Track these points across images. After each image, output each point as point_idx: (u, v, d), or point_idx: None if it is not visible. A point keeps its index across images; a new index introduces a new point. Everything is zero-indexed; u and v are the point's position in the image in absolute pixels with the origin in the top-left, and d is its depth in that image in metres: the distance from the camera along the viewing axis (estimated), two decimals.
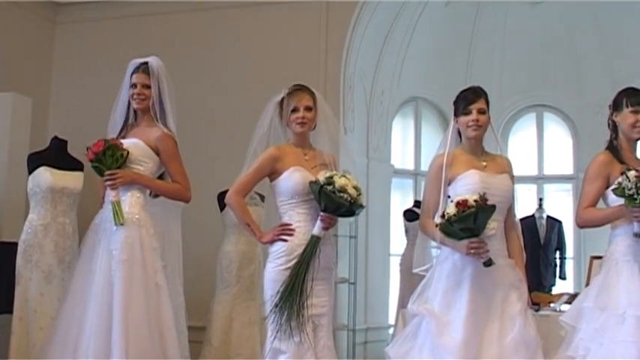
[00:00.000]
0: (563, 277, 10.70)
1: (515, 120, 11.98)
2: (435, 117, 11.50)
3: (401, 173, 11.39)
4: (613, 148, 4.85)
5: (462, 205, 4.35)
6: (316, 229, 4.76)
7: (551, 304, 7.75)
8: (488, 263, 4.47)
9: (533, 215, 10.60)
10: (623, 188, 4.48)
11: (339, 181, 4.70)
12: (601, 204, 4.85)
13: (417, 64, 11.17)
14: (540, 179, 11.82)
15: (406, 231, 10.19)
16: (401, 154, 11.59)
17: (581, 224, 4.91)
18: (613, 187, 4.57)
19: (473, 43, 11.45)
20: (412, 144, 11.71)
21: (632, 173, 4.49)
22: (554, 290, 10.23)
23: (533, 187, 11.73)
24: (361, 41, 10.10)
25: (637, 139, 4.81)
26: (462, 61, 11.43)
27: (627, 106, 4.77)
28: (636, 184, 4.43)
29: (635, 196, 4.45)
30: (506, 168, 4.77)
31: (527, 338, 4.52)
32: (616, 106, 4.85)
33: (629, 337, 4.40)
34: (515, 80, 11.60)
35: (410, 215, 9.97)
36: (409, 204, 10.39)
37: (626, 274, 4.56)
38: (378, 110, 10.91)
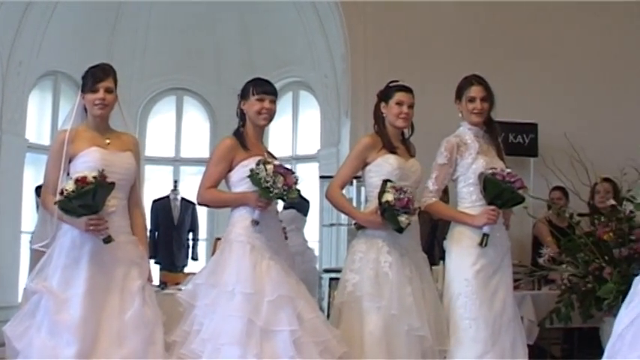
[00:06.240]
0: (195, 258, 10.95)
1: (155, 102, 12.14)
2: (74, 92, 11.26)
3: (36, 148, 11.10)
4: (239, 134, 5.02)
5: (81, 181, 4.34)
6: None
7: (178, 284, 7.92)
8: (108, 240, 4.51)
9: (168, 196, 10.76)
10: (260, 179, 4.66)
11: None
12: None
13: (59, 37, 10.98)
14: (177, 161, 12.09)
15: (37, 207, 9.92)
16: (37, 129, 11.33)
17: (200, 202, 5.09)
18: (247, 174, 4.73)
19: (118, 20, 11.45)
20: (49, 119, 11.48)
21: (270, 167, 4.69)
22: (187, 270, 10.41)
23: (170, 169, 11.94)
24: None
25: (262, 126, 5.03)
26: (105, 38, 11.39)
27: (253, 94, 4.98)
28: (273, 179, 4.65)
29: (271, 189, 4.66)
30: (130, 146, 4.81)
31: (146, 314, 4.59)
32: (244, 94, 5.03)
33: (236, 312, 4.60)
34: (158, 62, 11.74)
35: None
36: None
37: (237, 253, 4.78)
38: (14, 82, 10.62)
